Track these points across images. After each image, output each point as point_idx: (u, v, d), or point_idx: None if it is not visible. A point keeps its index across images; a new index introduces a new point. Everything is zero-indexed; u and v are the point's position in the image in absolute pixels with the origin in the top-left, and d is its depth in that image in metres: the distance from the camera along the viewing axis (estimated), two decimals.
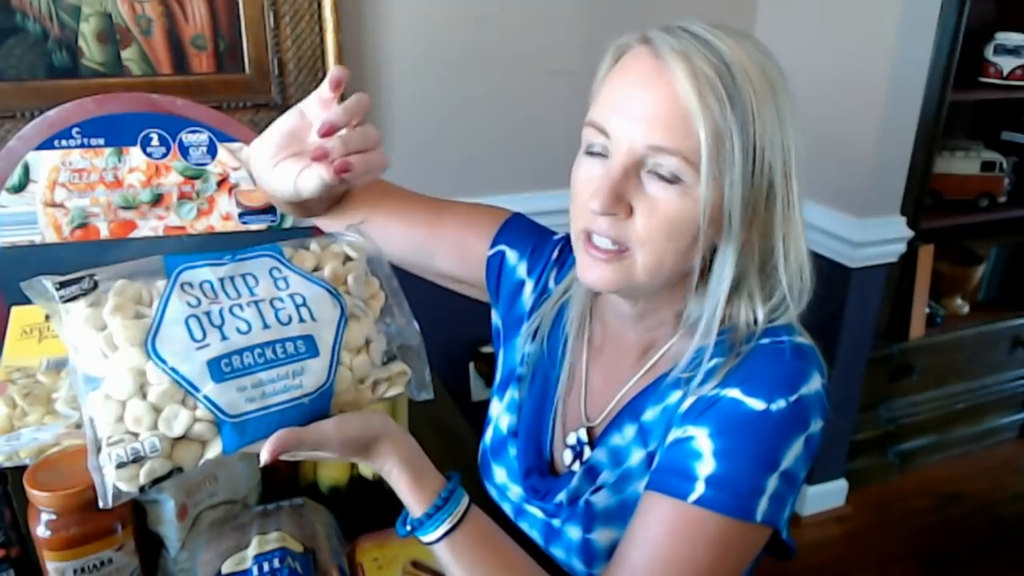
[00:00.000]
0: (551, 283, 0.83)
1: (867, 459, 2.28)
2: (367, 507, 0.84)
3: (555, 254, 0.83)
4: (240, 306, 0.58)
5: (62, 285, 0.55)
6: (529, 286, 0.84)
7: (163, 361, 0.54)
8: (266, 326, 0.57)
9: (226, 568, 0.67)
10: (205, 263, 0.60)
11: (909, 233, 1.91)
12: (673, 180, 0.61)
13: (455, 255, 0.86)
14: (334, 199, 0.83)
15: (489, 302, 0.90)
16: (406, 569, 0.74)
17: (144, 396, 0.53)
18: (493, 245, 0.85)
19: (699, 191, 0.61)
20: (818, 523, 2.16)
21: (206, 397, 0.54)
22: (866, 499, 2.26)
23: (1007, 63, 2.09)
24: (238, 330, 0.57)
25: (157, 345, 0.54)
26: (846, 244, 1.84)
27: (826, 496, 2.20)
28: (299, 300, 0.60)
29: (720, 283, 0.66)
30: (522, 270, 0.84)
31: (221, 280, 0.59)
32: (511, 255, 0.85)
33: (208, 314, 0.56)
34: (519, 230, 0.86)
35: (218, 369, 0.55)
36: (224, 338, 0.56)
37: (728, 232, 0.63)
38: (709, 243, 0.64)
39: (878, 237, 1.86)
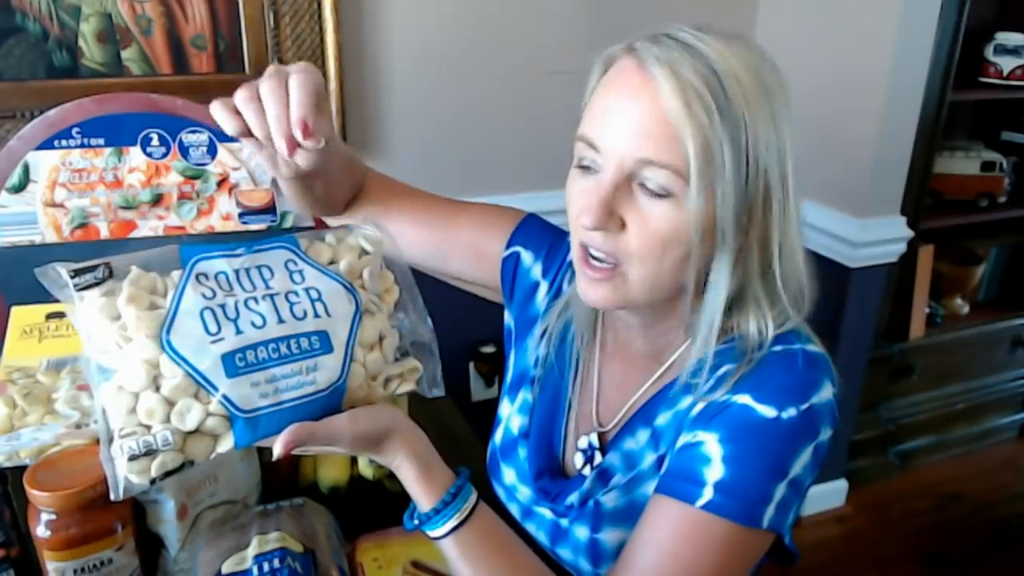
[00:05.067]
0: (565, 285, 0.83)
1: (867, 459, 2.28)
2: (367, 507, 0.84)
3: (570, 256, 0.83)
4: (255, 299, 0.58)
5: (76, 273, 0.55)
6: (544, 287, 0.84)
7: (177, 354, 0.54)
8: (281, 321, 0.57)
9: (226, 568, 0.67)
10: (220, 254, 0.59)
11: (909, 233, 1.91)
12: (664, 194, 0.61)
13: (470, 256, 0.86)
14: (352, 191, 0.84)
15: (502, 303, 0.90)
16: (406, 569, 0.74)
17: (157, 389, 0.53)
18: (508, 246, 0.85)
19: (690, 204, 0.60)
20: (818, 523, 2.16)
21: (220, 392, 0.54)
22: (866, 499, 2.26)
23: (1007, 63, 2.09)
24: (253, 324, 0.56)
25: (171, 337, 0.54)
26: (846, 244, 1.84)
27: (826, 496, 2.20)
28: (314, 295, 0.60)
29: (717, 293, 0.65)
30: (537, 271, 0.84)
31: (236, 272, 0.59)
32: (526, 256, 0.85)
33: (223, 307, 0.56)
34: (535, 231, 0.86)
35: (232, 364, 0.54)
36: (239, 332, 0.56)
37: (722, 242, 0.62)
38: (706, 254, 0.64)
39: (878, 237, 1.86)
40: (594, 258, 0.66)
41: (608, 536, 0.72)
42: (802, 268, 0.66)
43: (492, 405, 0.90)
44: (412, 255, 0.85)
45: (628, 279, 0.65)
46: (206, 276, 0.58)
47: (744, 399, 0.63)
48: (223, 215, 1.02)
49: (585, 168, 0.65)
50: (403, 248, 0.84)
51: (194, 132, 0.97)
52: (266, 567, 0.66)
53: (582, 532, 0.73)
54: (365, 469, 0.88)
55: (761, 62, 0.62)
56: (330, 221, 0.85)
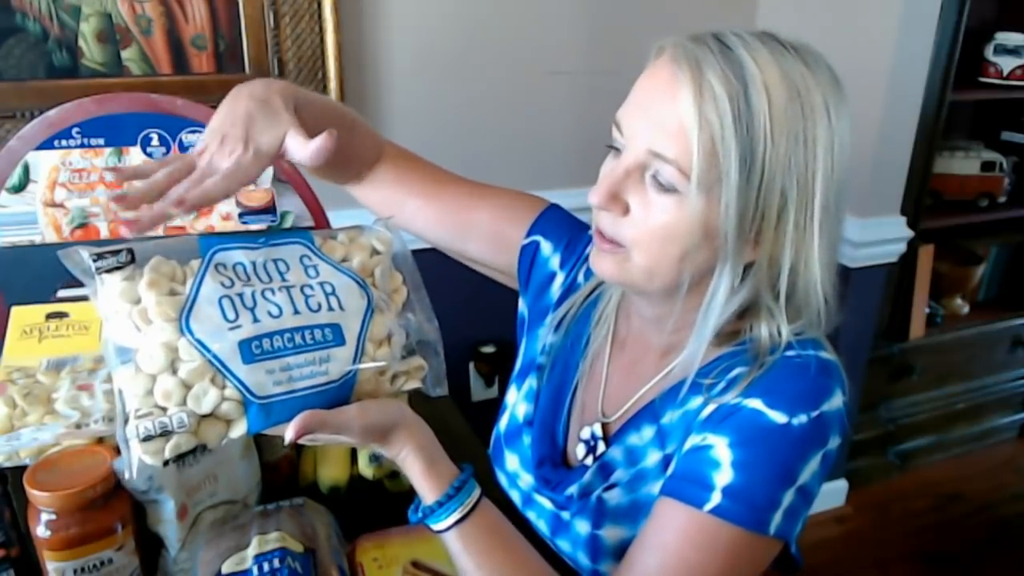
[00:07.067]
0: (580, 277, 0.84)
1: (867, 459, 2.28)
2: (367, 507, 0.84)
3: (588, 249, 0.83)
4: (272, 290, 0.59)
5: (99, 256, 0.56)
6: (559, 278, 0.85)
7: (196, 339, 0.55)
8: (296, 312, 0.59)
9: (226, 568, 0.66)
10: (238, 246, 0.61)
11: (909, 233, 1.91)
12: (670, 189, 0.61)
13: (489, 241, 0.86)
14: (363, 164, 0.85)
15: (516, 288, 0.90)
16: (406, 569, 0.74)
17: (175, 372, 0.54)
18: (528, 235, 0.85)
19: (689, 203, 0.60)
20: (818, 523, 2.16)
21: (236, 377, 0.55)
22: (866, 499, 2.26)
23: (1007, 63, 2.09)
24: (269, 314, 0.58)
25: (191, 322, 0.55)
26: (846, 244, 1.84)
27: (826, 496, 2.20)
28: (328, 289, 0.61)
29: (715, 298, 0.65)
30: (555, 262, 0.85)
31: (253, 264, 0.60)
32: (545, 246, 0.85)
33: (241, 296, 0.58)
34: (556, 222, 0.86)
35: (249, 351, 0.56)
36: (256, 320, 0.57)
37: (724, 249, 0.62)
38: (708, 257, 0.64)
39: (878, 237, 1.86)
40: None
41: (609, 533, 0.72)
42: (821, 290, 0.65)
43: (492, 405, 0.91)
44: (430, 235, 0.87)
45: (629, 260, 0.66)
46: (224, 266, 0.59)
47: (755, 404, 0.63)
48: (223, 215, 1.02)
49: (613, 149, 0.67)
50: (424, 228, 0.86)
51: (194, 132, 0.97)
52: (266, 567, 0.66)
53: (583, 527, 0.73)
54: (365, 469, 0.87)
55: (812, 80, 0.60)
56: (360, 196, 0.87)
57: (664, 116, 0.60)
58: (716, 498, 0.61)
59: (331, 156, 0.64)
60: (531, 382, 0.84)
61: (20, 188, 0.94)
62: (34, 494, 0.64)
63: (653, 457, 0.71)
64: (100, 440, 0.71)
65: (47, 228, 0.95)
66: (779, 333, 0.66)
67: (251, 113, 0.65)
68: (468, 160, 1.82)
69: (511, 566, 0.64)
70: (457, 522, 0.63)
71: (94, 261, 0.56)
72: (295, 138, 0.66)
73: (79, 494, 0.64)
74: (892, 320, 2.16)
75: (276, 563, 0.66)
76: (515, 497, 0.84)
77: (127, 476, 0.55)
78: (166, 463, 0.54)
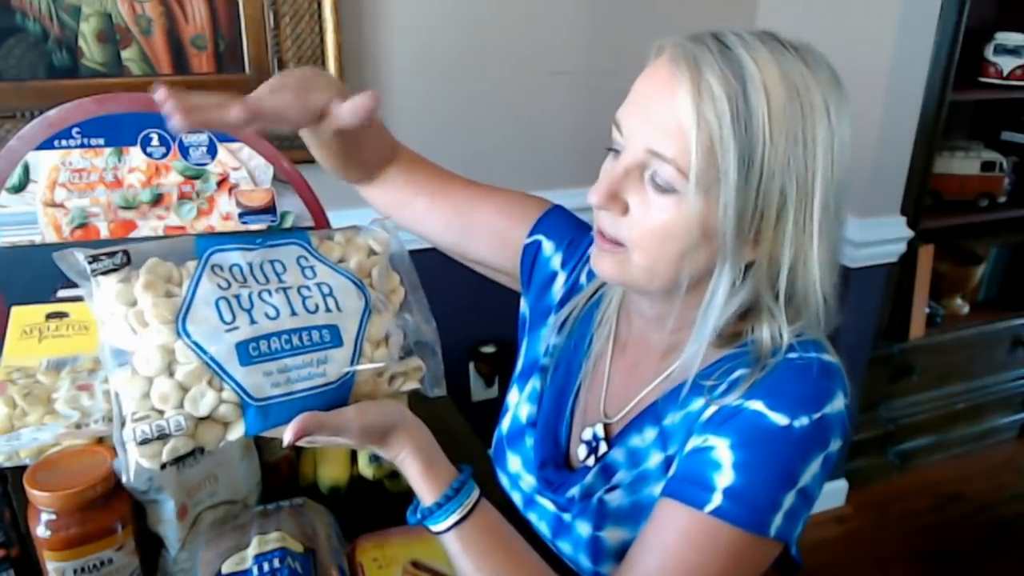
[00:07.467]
0: (582, 278, 0.84)
1: (867, 459, 2.28)
2: (367, 507, 0.84)
3: (590, 250, 0.84)
4: (269, 292, 0.59)
5: (94, 259, 0.56)
6: (561, 279, 0.85)
7: (193, 341, 0.55)
8: (294, 313, 0.59)
9: (226, 568, 0.66)
10: (235, 247, 0.61)
11: (909, 233, 1.91)
12: (668, 189, 0.61)
13: (493, 241, 0.87)
14: (383, 161, 0.87)
15: (519, 290, 0.91)
16: (406, 569, 0.74)
17: (172, 374, 0.54)
18: (531, 234, 0.86)
19: (688, 203, 0.61)
20: (818, 523, 2.16)
21: (233, 379, 0.55)
22: (866, 499, 2.26)
23: (1007, 63, 2.09)
24: (266, 315, 0.58)
25: (188, 325, 0.55)
26: (846, 244, 1.84)
27: (826, 496, 2.20)
28: (326, 290, 0.61)
29: (715, 298, 0.65)
30: (556, 262, 0.85)
31: (250, 265, 0.60)
32: (547, 246, 0.85)
33: (238, 297, 0.57)
34: (558, 222, 0.86)
35: (246, 353, 0.56)
36: (253, 322, 0.57)
37: (723, 249, 0.62)
38: (708, 257, 0.64)
39: (878, 237, 1.86)
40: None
41: (610, 535, 0.71)
42: (820, 290, 0.65)
43: (492, 405, 0.91)
44: (438, 237, 0.87)
45: (629, 259, 0.66)
46: (221, 268, 0.59)
47: (757, 405, 0.63)
48: (223, 215, 1.02)
49: (612, 150, 0.67)
50: (430, 229, 0.87)
51: (194, 132, 0.97)
52: (266, 567, 0.66)
53: (584, 528, 0.73)
54: (365, 469, 0.87)
55: (812, 79, 0.60)
56: (369, 197, 0.88)
57: (663, 116, 0.60)
58: (717, 499, 0.61)
59: (370, 117, 0.66)
60: (534, 383, 0.84)
61: (20, 188, 0.94)
62: (34, 494, 0.64)
63: (655, 458, 0.71)
64: (100, 440, 0.71)
65: (47, 228, 0.95)
66: (780, 335, 0.66)
67: (306, 74, 0.68)
68: (468, 160, 1.81)
69: (510, 567, 0.64)
70: (456, 523, 0.63)
71: (89, 263, 0.55)
72: (340, 104, 0.67)
73: (79, 494, 0.64)
74: (892, 320, 2.16)
75: (276, 563, 0.66)
76: (517, 499, 0.84)
77: (125, 479, 0.54)
78: (163, 466, 0.54)
